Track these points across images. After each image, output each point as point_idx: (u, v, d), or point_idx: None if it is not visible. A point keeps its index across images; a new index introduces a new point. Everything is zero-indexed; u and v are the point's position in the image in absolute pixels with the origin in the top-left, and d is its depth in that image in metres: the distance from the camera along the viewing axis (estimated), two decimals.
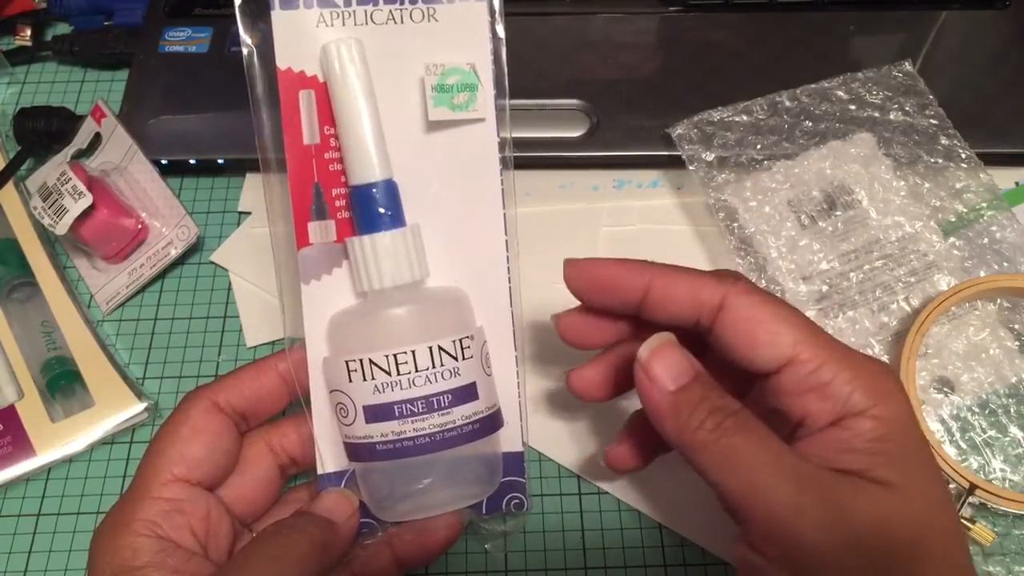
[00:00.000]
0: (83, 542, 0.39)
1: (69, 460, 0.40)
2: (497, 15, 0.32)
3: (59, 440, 0.40)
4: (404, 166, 0.31)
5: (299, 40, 0.31)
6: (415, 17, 0.31)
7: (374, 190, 0.30)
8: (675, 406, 0.28)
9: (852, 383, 0.26)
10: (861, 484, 0.26)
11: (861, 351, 0.28)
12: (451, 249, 0.32)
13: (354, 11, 0.31)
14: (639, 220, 0.46)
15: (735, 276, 0.29)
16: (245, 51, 0.32)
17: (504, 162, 0.32)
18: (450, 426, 0.30)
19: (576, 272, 0.31)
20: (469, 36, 0.32)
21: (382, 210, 0.30)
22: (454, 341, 0.30)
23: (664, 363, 0.28)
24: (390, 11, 0.31)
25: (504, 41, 0.32)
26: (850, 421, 0.26)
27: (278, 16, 0.31)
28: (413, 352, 0.29)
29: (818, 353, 0.27)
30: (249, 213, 0.47)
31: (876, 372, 0.27)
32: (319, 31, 0.31)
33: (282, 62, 0.31)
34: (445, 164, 0.32)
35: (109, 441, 0.41)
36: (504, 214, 0.33)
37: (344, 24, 0.31)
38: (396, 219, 0.31)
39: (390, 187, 0.31)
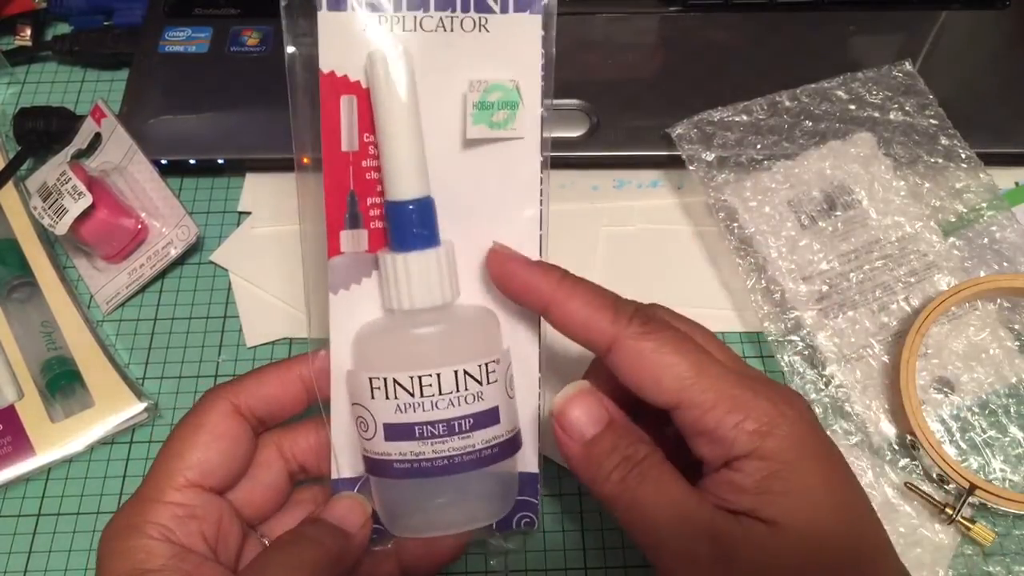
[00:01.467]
0: (83, 542, 0.39)
1: (69, 460, 0.40)
2: (551, 31, 0.31)
3: (59, 440, 0.40)
4: (441, 180, 0.30)
5: (344, 43, 0.29)
6: (466, 26, 0.30)
7: (411, 207, 0.29)
8: (587, 458, 0.29)
9: (736, 428, 0.27)
10: (749, 525, 0.26)
11: (769, 378, 0.29)
12: (484, 268, 0.31)
13: (403, 16, 0.30)
14: (639, 220, 0.46)
15: (634, 312, 0.28)
16: (289, 51, 0.30)
17: (543, 182, 0.31)
18: (469, 450, 0.29)
19: (496, 261, 0.30)
20: (518, 50, 0.30)
21: (416, 229, 0.29)
22: (480, 365, 0.29)
23: (576, 412, 0.29)
24: (440, 18, 0.30)
25: (554, 59, 0.31)
26: (738, 463, 0.27)
27: (324, 17, 0.29)
28: (438, 375, 0.29)
29: (703, 399, 0.27)
30: (249, 213, 0.47)
31: (764, 407, 0.27)
32: (366, 35, 0.29)
33: (325, 65, 0.30)
34: (483, 181, 0.31)
35: (109, 441, 0.41)
36: (540, 235, 0.32)
37: (392, 29, 0.30)
38: (430, 238, 0.30)
39: (427, 205, 0.30)
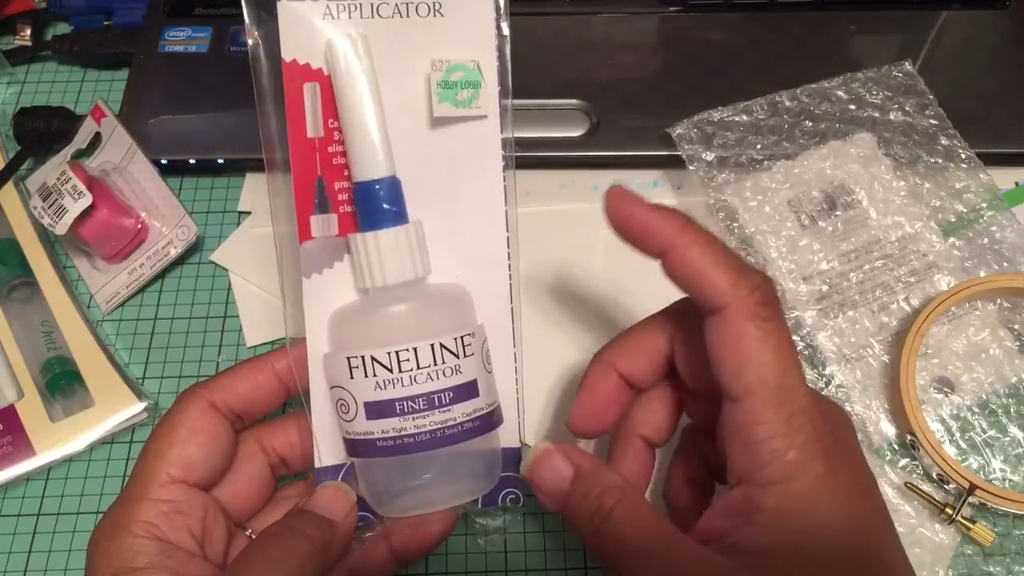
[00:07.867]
0: (83, 542, 0.38)
1: (69, 460, 0.40)
2: (502, 12, 0.32)
3: (59, 440, 0.40)
4: (407, 161, 0.31)
5: (305, 32, 0.30)
6: (421, 11, 0.31)
7: (377, 187, 0.30)
8: (566, 512, 0.29)
9: (774, 454, 0.25)
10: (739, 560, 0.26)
11: (817, 389, 0.29)
12: (453, 246, 0.32)
13: (360, 4, 0.31)
14: None
15: (757, 286, 0.27)
16: (251, 43, 0.31)
17: (506, 160, 0.32)
18: (451, 423, 0.30)
19: (615, 201, 0.29)
20: (474, 32, 0.32)
21: (385, 207, 0.30)
22: (455, 339, 0.30)
23: (543, 475, 0.30)
24: (396, 4, 0.31)
25: (508, 39, 0.32)
26: (755, 493, 0.26)
27: (284, 7, 0.30)
28: (415, 349, 0.29)
29: (764, 410, 0.26)
30: (249, 213, 0.47)
31: (811, 444, 0.26)
32: (325, 23, 0.30)
33: (287, 54, 0.31)
34: (448, 161, 0.32)
35: (109, 441, 0.41)
36: (506, 212, 0.33)
37: (350, 17, 0.31)
38: (399, 216, 0.30)
39: (393, 184, 0.30)
